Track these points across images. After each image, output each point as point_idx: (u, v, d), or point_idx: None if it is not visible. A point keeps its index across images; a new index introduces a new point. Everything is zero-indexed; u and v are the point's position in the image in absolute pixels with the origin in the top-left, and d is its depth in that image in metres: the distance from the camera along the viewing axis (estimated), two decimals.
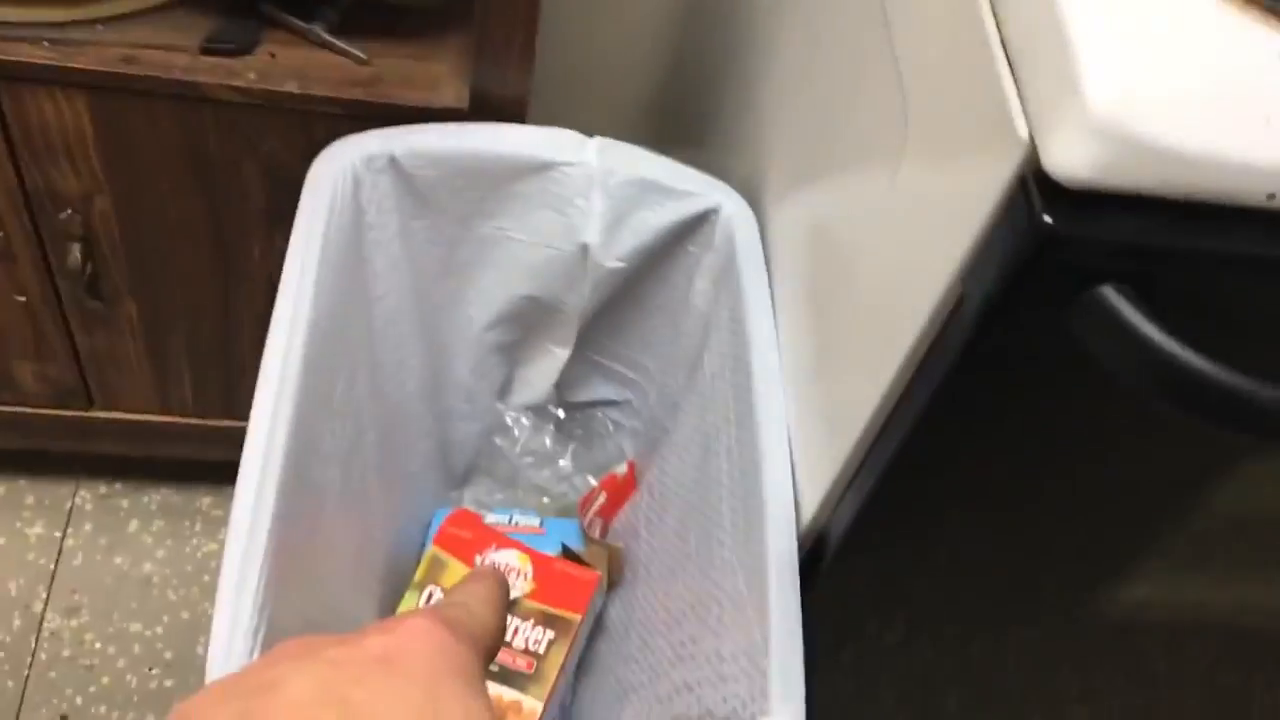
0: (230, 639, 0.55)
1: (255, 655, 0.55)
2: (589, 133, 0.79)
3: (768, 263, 0.76)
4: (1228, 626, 0.76)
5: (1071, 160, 0.41)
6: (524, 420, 0.92)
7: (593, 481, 0.95)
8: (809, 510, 0.66)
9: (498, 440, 0.92)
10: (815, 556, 0.67)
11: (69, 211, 0.85)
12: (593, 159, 0.77)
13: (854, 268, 0.63)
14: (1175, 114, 0.41)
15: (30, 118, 0.78)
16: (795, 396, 0.69)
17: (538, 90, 1.12)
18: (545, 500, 0.95)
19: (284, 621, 0.60)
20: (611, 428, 0.95)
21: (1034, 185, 0.43)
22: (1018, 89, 0.44)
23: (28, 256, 0.88)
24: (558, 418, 0.94)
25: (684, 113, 1.11)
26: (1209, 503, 0.64)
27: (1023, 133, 0.43)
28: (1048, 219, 0.42)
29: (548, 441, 0.94)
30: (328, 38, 0.80)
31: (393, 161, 0.74)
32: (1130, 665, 0.77)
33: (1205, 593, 0.73)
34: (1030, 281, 0.44)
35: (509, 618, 0.81)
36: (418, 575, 0.84)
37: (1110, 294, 0.43)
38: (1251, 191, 0.42)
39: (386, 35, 0.82)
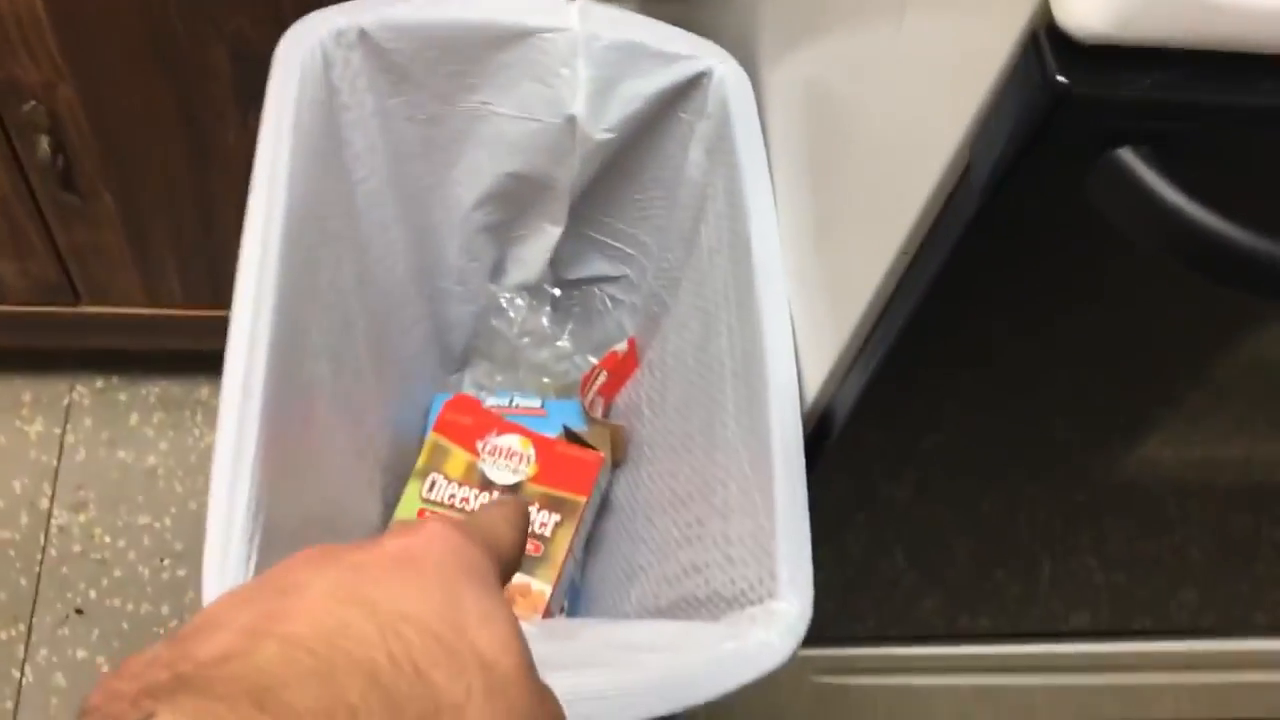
0: (226, 541, 0.54)
1: (252, 558, 0.54)
2: None
3: (764, 127, 0.73)
4: (1238, 478, 0.75)
5: (1090, 12, 0.37)
6: (519, 301, 0.89)
7: (593, 360, 0.93)
8: (813, 386, 0.64)
9: (494, 322, 0.90)
10: (822, 433, 0.65)
11: (33, 103, 0.81)
12: (575, 23, 0.72)
13: (855, 132, 0.60)
14: None
15: None
16: (796, 270, 0.67)
17: None
18: (545, 380, 0.93)
19: (282, 519, 0.59)
20: (610, 304, 0.93)
21: (1046, 41, 0.39)
22: None
23: None
24: (554, 296, 0.92)
25: None
26: (1222, 359, 0.61)
27: None
28: (1062, 78, 0.39)
29: (545, 321, 0.92)
30: None
31: (363, 35, 0.70)
32: (1141, 513, 0.77)
33: (1216, 449, 0.71)
34: (1043, 146, 0.41)
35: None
36: (419, 463, 0.83)
37: (1129, 156, 0.40)
38: None
39: None
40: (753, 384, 0.64)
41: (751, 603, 0.59)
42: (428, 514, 0.80)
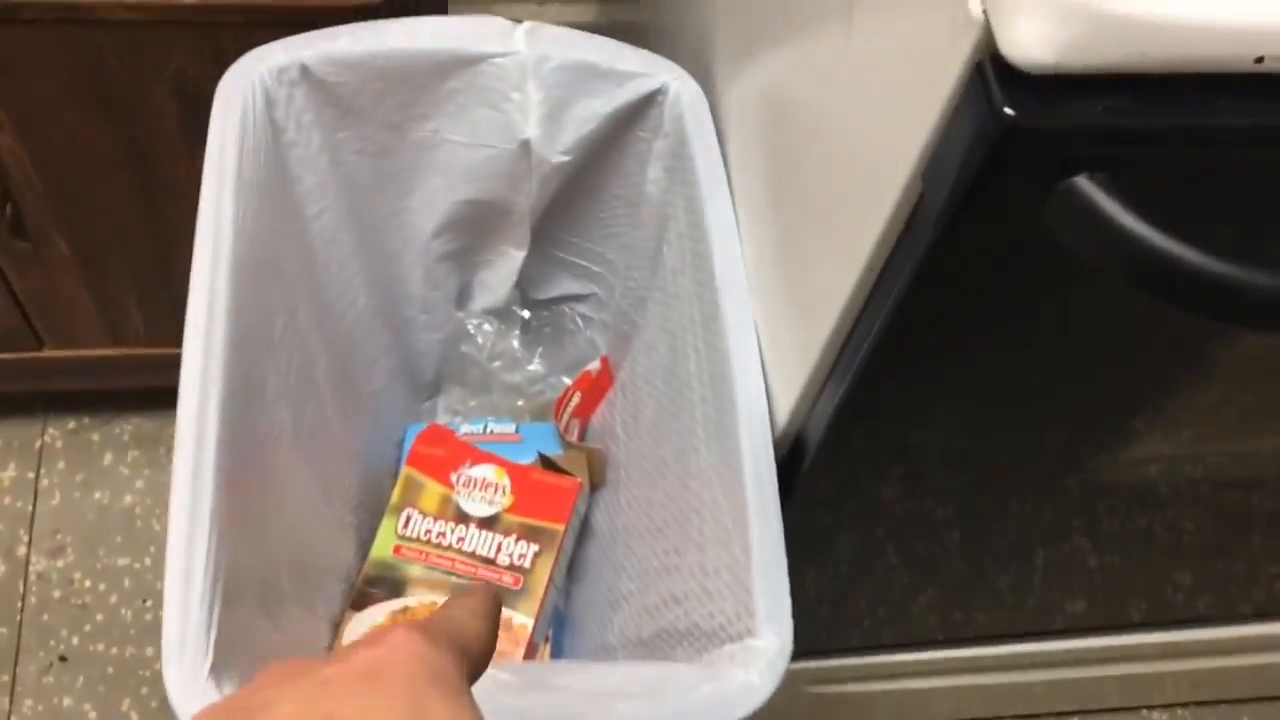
0: (185, 603, 0.53)
1: (212, 630, 0.52)
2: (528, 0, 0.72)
3: (724, 142, 0.71)
4: (1227, 464, 0.74)
5: (1034, 43, 0.36)
6: (487, 325, 0.88)
7: (567, 380, 0.91)
8: (784, 411, 0.62)
9: (463, 347, 0.88)
10: (795, 459, 0.64)
11: None
12: (522, 46, 0.71)
13: (813, 149, 0.58)
14: None
15: None
16: (761, 289, 0.65)
17: None
18: (520, 403, 0.92)
19: (247, 574, 0.58)
20: (581, 323, 0.91)
21: (992, 71, 0.38)
22: None
23: None
24: (523, 318, 0.90)
25: None
26: (1194, 365, 0.60)
27: (976, 13, 0.37)
28: (1009, 110, 0.37)
29: (515, 343, 0.90)
30: None
31: (305, 71, 0.68)
32: (1133, 496, 0.75)
33: (1204, 446, 0.70)
34: (994, 179, 0.39)
35: (492, 535, 0.79)
36: (393, 499, 0.81)
37: (1083, 184, 0.39)
38: (1236, 56, 0.37)
39: None
40: (722, 409, 0.63)
41: (730, 639, 0.57)
42: (404, 550, 0.78)
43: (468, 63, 0.71)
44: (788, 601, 0.56)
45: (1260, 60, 0.37)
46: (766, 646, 0.55)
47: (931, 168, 0.42)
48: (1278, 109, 0.39)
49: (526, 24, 0.71)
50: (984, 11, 0.37)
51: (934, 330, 0.52)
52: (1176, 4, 0.36)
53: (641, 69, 0.72)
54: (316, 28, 0.71)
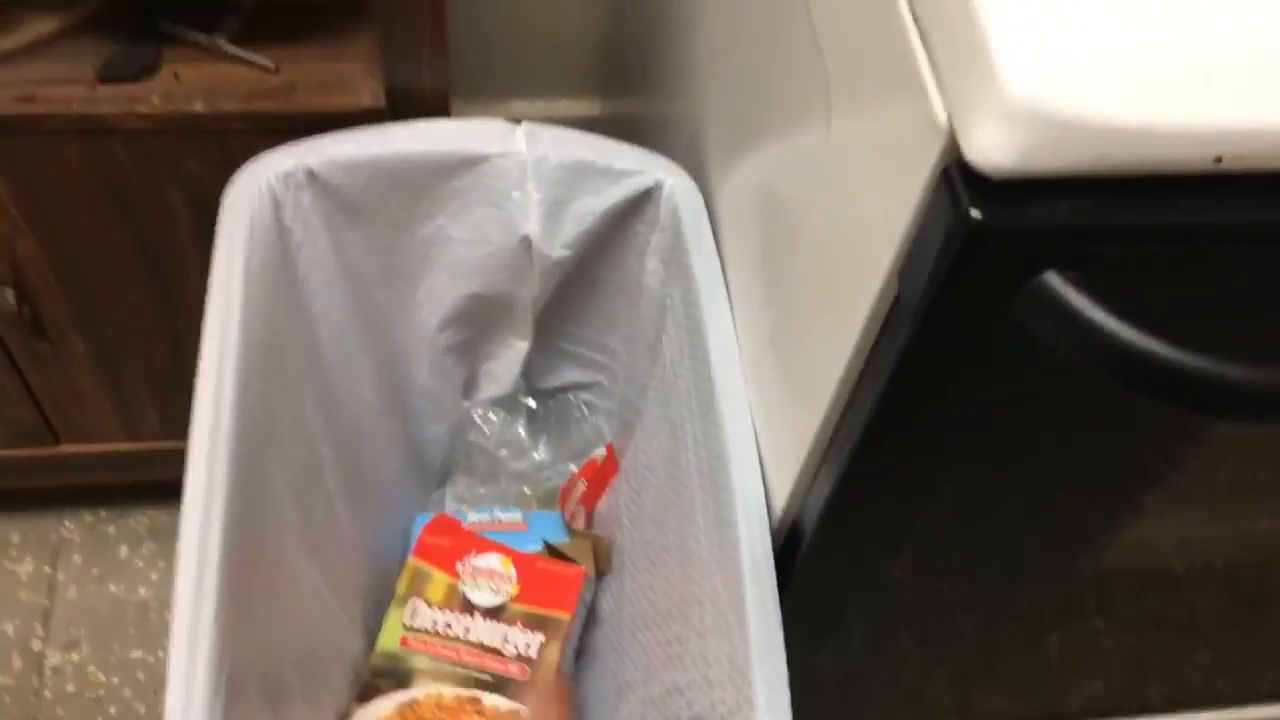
0: (187, 701, 0.54)
1: (217, 712, 0.53)
2: (533, 98, 0.75)
3: (719, 233, 0.73)
4: (1238, 543, 0.73)
5: (995, 149, 0.37)
6: (493, 416, 0.89)
7: (573, 468, 0.92)
8: (781, 498, 0.63)
9: (470, 437, 0.90)
10: (793, 544, 0.64)
11: None
12: (522, 147, 0.73)
13: (799, 245, 0.60)
14: (1102, 85, 0.37)
15: None
16: (756, 376, 0.66)
17: (478, 63, 1.08)
18: (527, 490, 0.92)
19: (251, 665, 0.58)
20: (586, 411, 0.92)
21: (959, 177, 0.39)
22: (933, 71, 0.40)
23: None
24: (529, 407, 0.91)
25: (630, 65, 1.06)
26: (1205, 446, 0.60)
27: (941, 121, 0.39)
28: (975, 214, 0.38)
29: (522, 432, 0.91)
30: (232, 49, 0.76)
31: (311, 175, 0.70)
32: (1147, 576, 0.75)
33: (1217, 526, 0.70)
34: (964, 279, 0.40)
35: (498, 625, 0.79)
36: (400, 589, 0.82)
37: (1053, 282, 0.40)
38: (1196, 158, 0.38)
39: (294, 39, 0.78)
40: (720, 499, 0.64)
41: None
42: (410, 642, 0.79)
43: (469, 163, 0.73)
44: (786, 693, 0.56)
45: (1219, 160, 0.39)
46: None
47: (906, 267, 0.43)
48: (1239, 206, 0.40)
49: (525, 125, 0.73)
50: (948, 118, 0.39)
51: (921, 420, 0.53)
52: (1133, 109, 0.37)
53: (637, 166, 0.74)
54: (322, 132, 0.73)
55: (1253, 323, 0.44)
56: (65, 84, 0.73)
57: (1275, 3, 0.38)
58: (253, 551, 0.61)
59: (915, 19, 0.41)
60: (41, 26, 0.74)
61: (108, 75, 0.74)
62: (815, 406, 0.57)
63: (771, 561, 0.60)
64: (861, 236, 0.48)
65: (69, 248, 0.82)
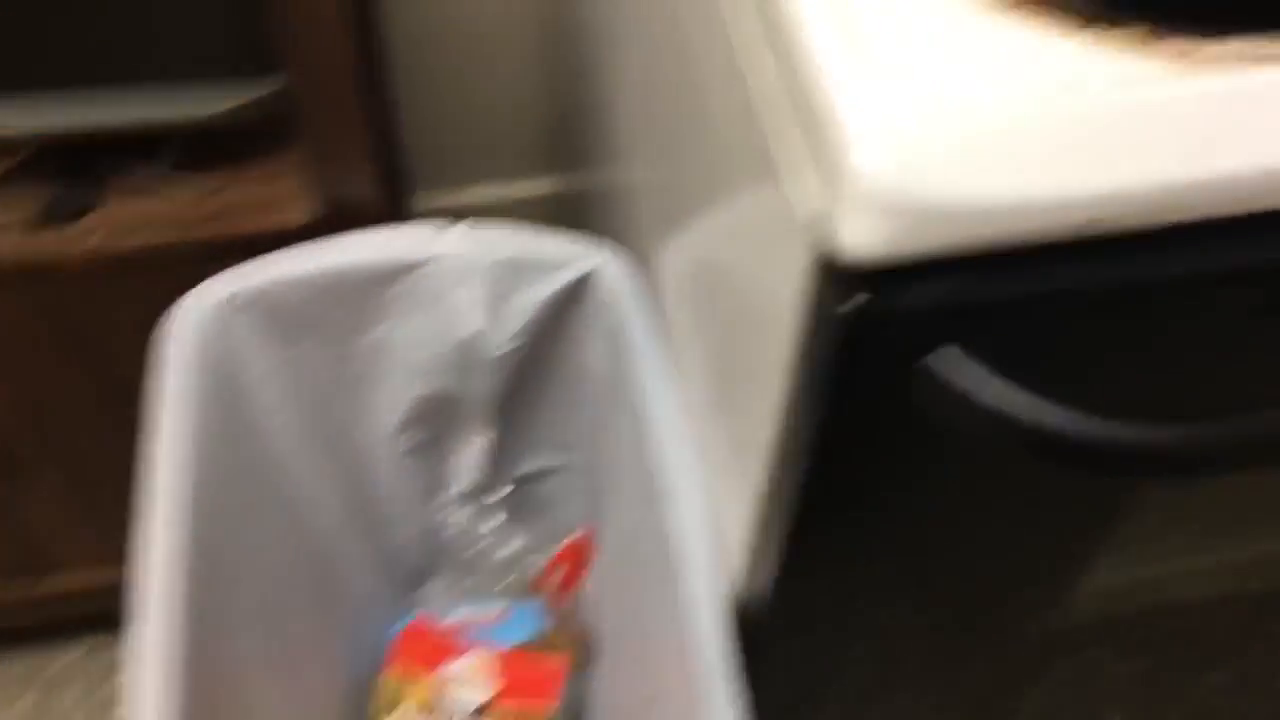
0: None
1: None
2: (493, 181, 0.75)
3: (664, 307, 0.73)
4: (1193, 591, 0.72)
5: (860, 239, 0.37)
6: (466, 509, 0.89)
7: (553, 552, 0.92)
8: (739, 575, 0.63)
9: (444, 535, 0.89)
10: (756, 621, 0.63)
11: None
12: (458, 248, 0.73)
13: (719, 321, 0.60)
14: (963, 164, 0.37)
15: None
16: (708, 450, 0.66)
17: (432, 154, 1.10)
18: (510, 579, 0.92)
19: None
20: (561, 493, 0.92)
21: (827, 270, 0.39)
22: (789, 164, 0.40)
23: None
24: (501, 496, 0.91)
25: (576, 139, 1.07)
26: (1141, 502, 0.60)
27: (804, 213, 0.39)
28: (851, 304, 0.38)
29: (497, 522, 0.91)
30: (170, 176, 0.77)
31: (250, 299, 0.71)
32: (1104, 631, 0.74)
33: (1169, 565, 0.69)
34: (848, 371, 0.40)
35: None
36: (378, 704, 0.81)
37: (941, 360, 0.40)
38: (1067, 224, 0.38)
39: (232, 161, 0.79)
40: (677, 586, 0.63)
41: None
42: None
43: (407, 269, 0.74)
44: None
45: (1093, 220, 0.38)
46: None
47: (800, 356, 0.43)
48: (1118, 266, 0.40)
49: (459, 227, 0.74)
50: (813, 211, 0.39)
51: (845, 501, 0.52)
52: (991, 186, 0.37)
53: (573, 256, 0.74)
54: (263, 252, 0.74)
55: (1150, 373, 0.44)
56: (3, 230, 0.74)
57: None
58: (213, 693, 0.60)
59: (768, 112, 0.42)
60: None
61: (48, 219, 0.75)
62: (755, 484, 0.56)
63: (728, 648, 0.59)
64: (765, 318, 0.48)
65: (25, 390, 0.83)
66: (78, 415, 0.87)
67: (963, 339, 0.40)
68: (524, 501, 0.92)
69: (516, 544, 0.91)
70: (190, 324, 0.69)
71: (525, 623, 0.86)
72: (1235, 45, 0.38)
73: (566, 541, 0.90)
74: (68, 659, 1.15)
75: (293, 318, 0.73)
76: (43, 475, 0.92)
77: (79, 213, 0.76)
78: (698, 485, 0.65)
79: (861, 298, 0.38)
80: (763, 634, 0.62)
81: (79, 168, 0.78)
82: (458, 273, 0.74)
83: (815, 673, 0.68)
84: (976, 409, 0.39)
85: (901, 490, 0.51)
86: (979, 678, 0.73)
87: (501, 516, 0.90)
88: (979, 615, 0.65)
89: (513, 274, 0.74)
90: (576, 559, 0.89)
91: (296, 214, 0.76)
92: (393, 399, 0.80)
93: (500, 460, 0.89)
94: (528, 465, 0.91)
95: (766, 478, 0.54)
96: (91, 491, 0.95)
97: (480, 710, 0.79)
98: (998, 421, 0.39)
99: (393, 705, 0.80)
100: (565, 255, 0.74)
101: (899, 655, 0.68)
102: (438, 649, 0.82)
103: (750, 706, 0.59)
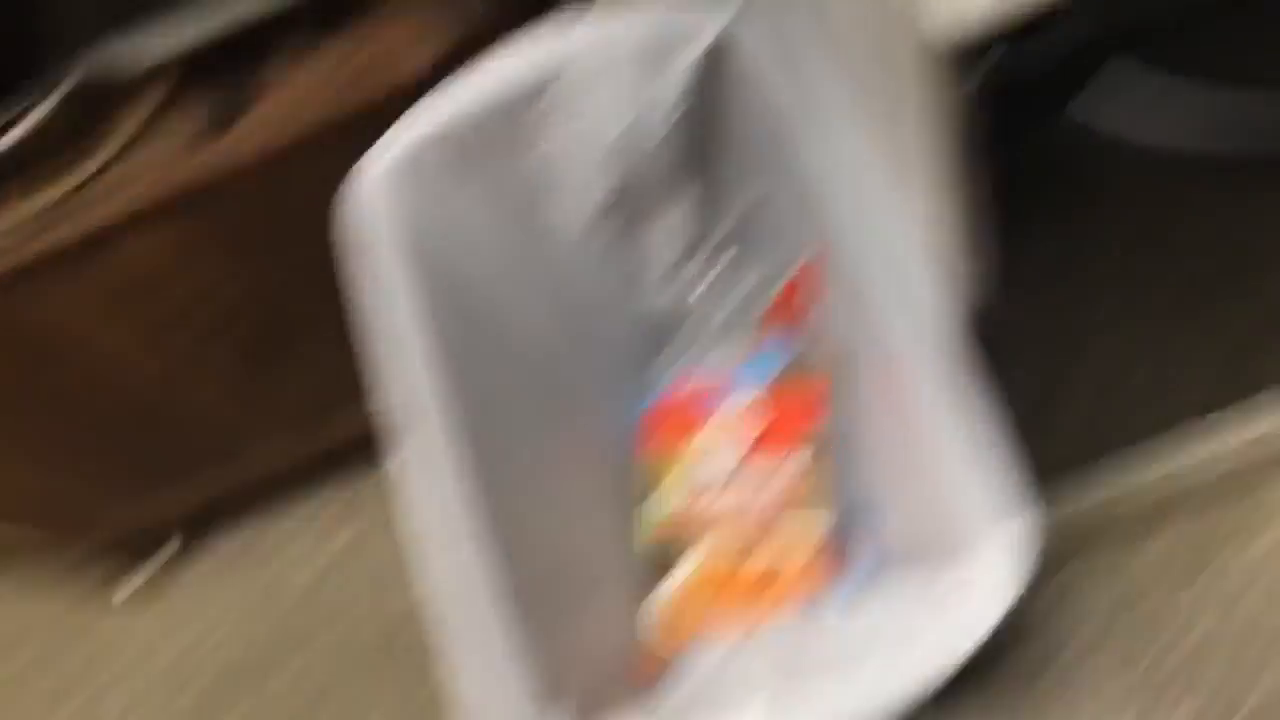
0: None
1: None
2: None
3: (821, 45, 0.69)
4: None
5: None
6: (679, 280, 0.90)
7: (780, 283, 0.91)
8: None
9: (662, 309, 0.91)
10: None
11: None
12: (588, 47, 0.72)
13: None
14: None
15: None
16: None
17: None
18: (742, 328, 0.93)
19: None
20: (770, 229, 0.90)
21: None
22: None
23: None
24: (715, 249, 0.91)
25: None
26: None
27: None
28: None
29: (717, 274, 0.91)
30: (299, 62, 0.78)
31: (420, 146, 0.72)
32: None
33: None
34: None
35: (757, 466, 0.81)
36: (645, 484, 0.85)
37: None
38: None
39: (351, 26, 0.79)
40: (901, 297, 0.64)
41: (969, 545, 0.58)
42: (672, 527, 0.83)
43: (551, 78, 0.73)
44: (1018, 496, 0.56)
45: None
46: (998, 565, 0.56)
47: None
48: None
49: (580, 26, 0.72)
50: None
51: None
52: None
53: (698, 24, 0.72)
54: (411, 101, 0.73)
55: None
56: (179, 154, 0.78)
57: None
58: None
59: None
60: (131, 122, 0.79)
61: (212, 129, 0.78)
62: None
63: (964, 354, 0.59)
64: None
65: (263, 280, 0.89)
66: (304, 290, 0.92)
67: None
68: (741, 245, 0.92)
69: (738, 292, 0.91)
70: (378, 182, 0.72)
71: (770, 360, 0.87)
72: None
73: (792, 270, 0.89)
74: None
75: (466, 153, 0.74)
76: (304, 346, 0.98)
77: (234, 118, 0.78)
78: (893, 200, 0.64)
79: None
80: (1000, 331, 0.62)
81: (219, 78, 0.79)
82: (595, 72, 0.73)
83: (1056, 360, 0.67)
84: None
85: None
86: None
87: (713, 273, 0.91)
88: None
89: (650, 58, 0.72)
90: (807, 284, 0.89)
91: (427, 53, 0.76)
92: (579, 202, 0.80)
93: (704, 219, 0.88)
94: (733, 210, 0.90)
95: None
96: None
97: (748, 455, 0.82)
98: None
99: (654, 485, 0.84)
100: (692, 25, 0.71)
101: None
102: (685, 421, 0.85)
103: (1000, 403, 0.59)
